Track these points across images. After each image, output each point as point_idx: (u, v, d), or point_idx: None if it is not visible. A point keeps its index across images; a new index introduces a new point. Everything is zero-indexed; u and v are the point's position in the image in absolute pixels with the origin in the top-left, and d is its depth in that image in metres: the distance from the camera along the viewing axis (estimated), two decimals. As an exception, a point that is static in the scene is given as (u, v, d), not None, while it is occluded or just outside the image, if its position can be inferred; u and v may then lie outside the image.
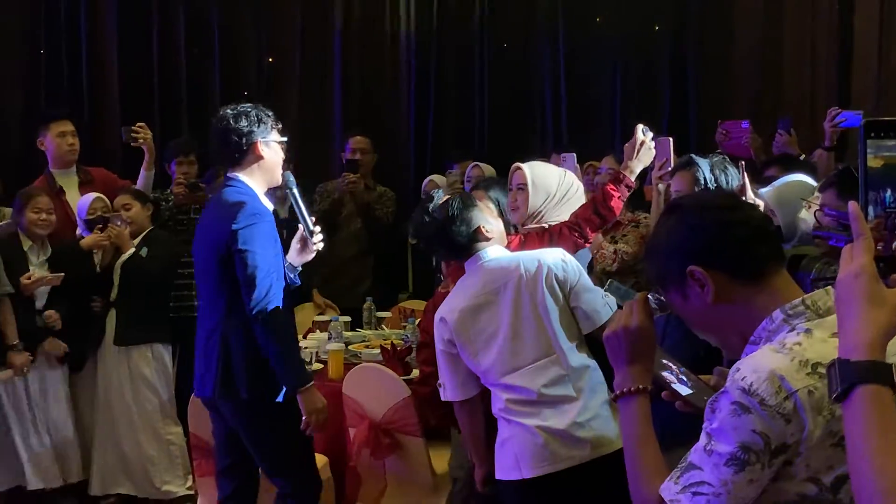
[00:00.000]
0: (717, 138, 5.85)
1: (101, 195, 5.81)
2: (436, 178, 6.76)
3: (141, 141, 6.09)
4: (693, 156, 3.91)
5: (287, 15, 8.43)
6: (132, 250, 5.65)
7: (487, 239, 3.53)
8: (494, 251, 3.53)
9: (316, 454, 4.68)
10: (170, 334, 5.79)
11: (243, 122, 3.91)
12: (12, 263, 5.37)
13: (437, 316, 3.53)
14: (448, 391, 3.57)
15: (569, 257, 3.55)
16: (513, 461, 3.37)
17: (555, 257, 3.51)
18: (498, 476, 3.45)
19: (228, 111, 3.93)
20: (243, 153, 3.92)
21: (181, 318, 5.82)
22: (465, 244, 3.53)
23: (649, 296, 2.12)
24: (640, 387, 2.06)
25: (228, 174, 3.99)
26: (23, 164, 7.70)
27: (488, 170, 6.30)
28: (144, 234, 5.77)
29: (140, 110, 8.12)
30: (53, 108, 7.25)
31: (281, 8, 8.45)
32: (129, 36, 8.16)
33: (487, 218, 3.57)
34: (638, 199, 4.80)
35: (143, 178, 6.13)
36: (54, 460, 5.57)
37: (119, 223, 5.63)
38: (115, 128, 7.11)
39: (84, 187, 6.05)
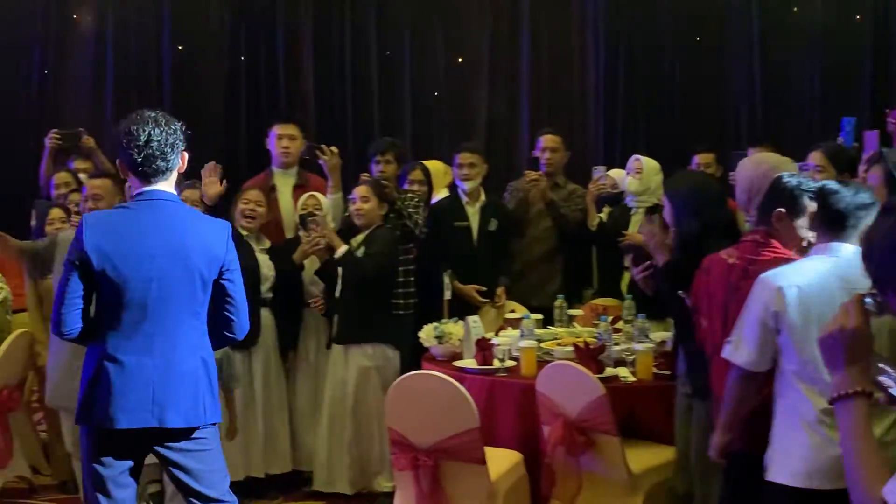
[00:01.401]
0: (888, 129, 5.56)
1: (315, 193, 5.98)
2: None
3: (324, 161, 6.06)
4: (883, 150, 3.76)
5: (475, 14, 8.51)
6: (344, 248, 5.64)
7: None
8: (847, 249, 3.42)
9: (510, 451, 4.73)
10: (390, 333, 5.69)
11: (179, 130, 3.60)
12: (243, 249, 5.58)
13: (772, 282, 3.32)
14: (742, 355, 3.37)
15: None
16: (806, 470, 3.23)
17: None
18: (776, 478, 3.31)
19: (159, 116, 3.56)
20: (176, 164, 3.61)
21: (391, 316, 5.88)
22: (847, 224, 3.33)
23: (866, 298, 2.04)
24: (859, 389, 1.99)
25: (153, 189, 3.57)
26: (224, 164, 8.03)
27: (649, 163, 6.19)
28: (369, 231, 5.71)
29: (333, 112, 8.37)
30: (268, 111, 7.63)
31: (469, 8, 8.54)
32: (323, 40, 8.42)
33: None
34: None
35: (331, 202, 6.07)
36: (266, 450, 5.77)
37: (314, 225, 5.73)
38: (311, 128, 7.32)
39: (297, 190, 6.20)
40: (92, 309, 3.58)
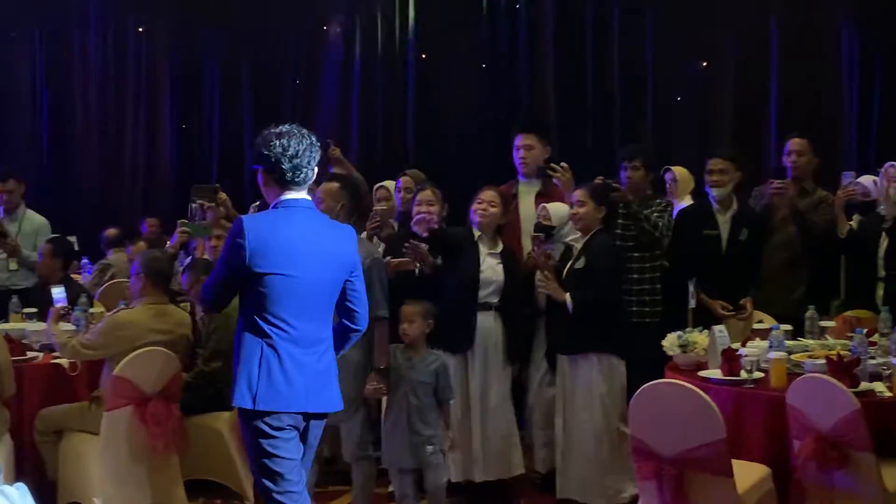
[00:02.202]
0: None
1: (548, 205, 5.95)
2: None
3: (557, 179, 6.00)
4: None
5: (719, 16, 8.35)
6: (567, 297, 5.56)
7: None
8: None
9: (757, 464, 4.61)
10: (617, 343, 5.61)
11: (316, 141, 3.82)
12: (467, 252, 5.72)
13: None
14: None
15: None
16: None
17: None
18: None
19: (301, 130, 3.77)
20: (314, 173, 3.85)
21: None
22: None
23: None
24: None
25: (298, 197, 3.81)
26: (464, 168, 8.18)
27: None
28: (587, 237, 5.65)
29: (574, 119, 8.39)
30: (508, 117, 7.76)
31: (713, 10, 8.37)
32: (564, 47, 8.50)
33: None
34: None
35: (568, 214, 5.95)
36: (490, 454, 5.76)
37: (538, 241, 5.74)
38: (553, 133, 7.35)
39: (539, 199, 6.17)
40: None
